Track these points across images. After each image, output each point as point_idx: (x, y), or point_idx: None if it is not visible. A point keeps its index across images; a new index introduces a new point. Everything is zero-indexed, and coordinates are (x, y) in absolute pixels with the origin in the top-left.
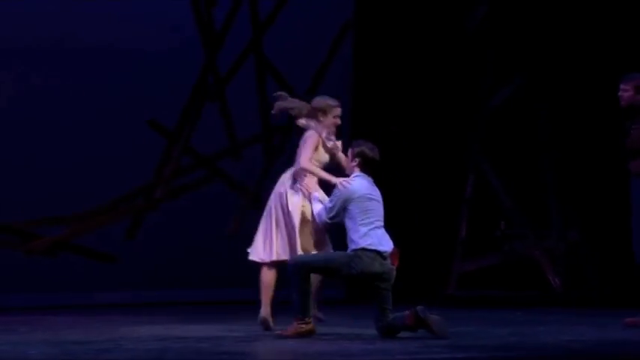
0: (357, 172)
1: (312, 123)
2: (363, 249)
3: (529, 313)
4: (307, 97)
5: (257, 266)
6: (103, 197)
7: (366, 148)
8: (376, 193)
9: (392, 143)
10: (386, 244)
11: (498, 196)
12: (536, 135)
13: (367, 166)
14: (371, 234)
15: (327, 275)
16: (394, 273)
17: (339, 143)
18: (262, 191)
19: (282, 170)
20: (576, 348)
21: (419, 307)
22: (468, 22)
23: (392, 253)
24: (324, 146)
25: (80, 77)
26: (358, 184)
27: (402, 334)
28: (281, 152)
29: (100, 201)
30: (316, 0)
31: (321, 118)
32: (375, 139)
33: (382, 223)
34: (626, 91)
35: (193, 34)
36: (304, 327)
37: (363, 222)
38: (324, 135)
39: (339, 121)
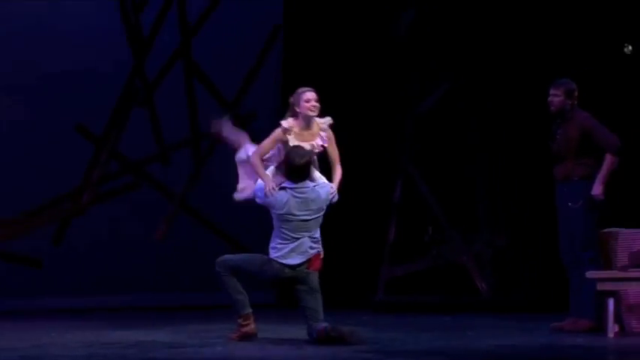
0: (285, 181)
1: (286, 119)
2: (272, 259)
3: (457, 318)
4: (236, 102)
5: (191, 271)
6: (29, 202)
7: (294, 155)
8: (297, 209)
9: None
10: (293, 259)
11: (426, 200)
12: (465, 139)
13: (293, 174)
14: (280, 247)
15: (247, 275)
16: (313, 277)
17: (321, 139)
18: (190, 196)
19: (211, 175)
20: (504, 353)
21: (327, 326)
22: (396, 28)
23: (310, 259)
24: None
25: (6, 81)
26: (279, 199)
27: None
28: (209, 157)
29: (27, 206)
30: (245, 5)
31: (297, 109)
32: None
33: (299, 236)
34: (556, 96)
35: (121, 38)
36: (245, 328)
37: (278, 233)
38: (294, 127)
39: (312, 104)
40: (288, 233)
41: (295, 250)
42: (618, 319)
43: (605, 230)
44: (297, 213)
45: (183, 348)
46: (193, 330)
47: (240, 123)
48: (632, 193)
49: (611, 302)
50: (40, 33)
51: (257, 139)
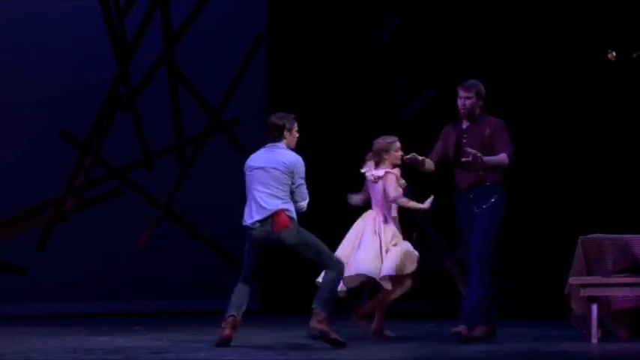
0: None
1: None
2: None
3: (441, 325)
4: (219, 108)
5: (175, 278)
6: (13, 208)
7: (272, 117)
8: (266, 160)
9: (305, 155)
10: (256, 214)
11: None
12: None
13: (270, 132)
14: (245, 209)
15: (247, 269)
16: (282, 236)
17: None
18: (174, 202)
19: (195, 181)
20: (489, 358)
21: (319, 329)
22: (380, 35)
23: (272, 219)
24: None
25: None
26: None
27: (319, 344)
28: (193, 163)
29: (10, 212)
30: (229, 12)
31: (385, 156)
32: None
33: (267, 189)
34: (468, 99)
35: (105, 44)
36: (221, 331)
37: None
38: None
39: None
40: (252, 186)
41: (256, 204)
42: (602, 324)
43: (589, 236)
44: (259, 161)
45: (167, 354)
46: (177, 336)
47: (224, 128)
48: (615, 200)
49: (594, 308)
50: (24, 38)
51: (239, 144)
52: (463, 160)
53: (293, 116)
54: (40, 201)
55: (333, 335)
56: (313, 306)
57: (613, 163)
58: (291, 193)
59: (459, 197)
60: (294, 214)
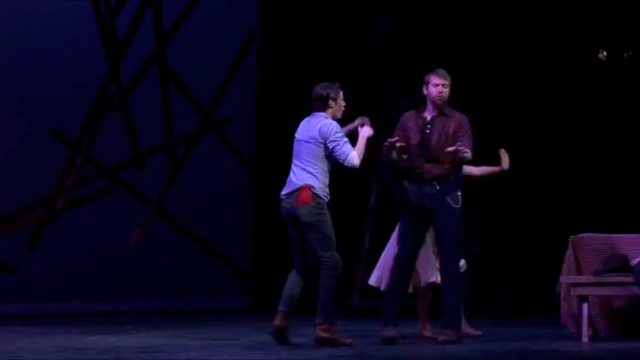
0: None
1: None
2: None
3: (432, 324)
4: (211, 107)
5: (166, 277)
6: (3, 207)
7: (317, 87)
8: (303, 132)
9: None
10: (286, 188)
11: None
12: None
13: (314, 104)
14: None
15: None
16: (298, 212)
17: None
18: (165, 202)
19: (186, 180)
20: (478, 358)
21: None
22: (371, 35)
23: (295, 193)
24: None
25: None
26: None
27: (309, 342)
28: (184, 163)
29: (1, 211)
30: (221, 11)
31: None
32: (279, 149)
33: (301, 163)
34: (445, 87)
35: (96, 43)
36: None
37: None
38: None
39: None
40: (294, 159)
41: (290, 177)
42: (592, 323)
43: (579, 236)
44: (300, 133)
45: (158, 353)
46: (168, 335)
47: (215, 128)
48: (605, 199)
49: (585, 307)
50: (15, 37)
51: (231, 143)
52: (447, 150)
53: (338, 85)
54: (31, 200)
55: (341, 340)
56: (316, 319)
57: (604, 163)
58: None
59: (416, 188)
60: (321, 192)
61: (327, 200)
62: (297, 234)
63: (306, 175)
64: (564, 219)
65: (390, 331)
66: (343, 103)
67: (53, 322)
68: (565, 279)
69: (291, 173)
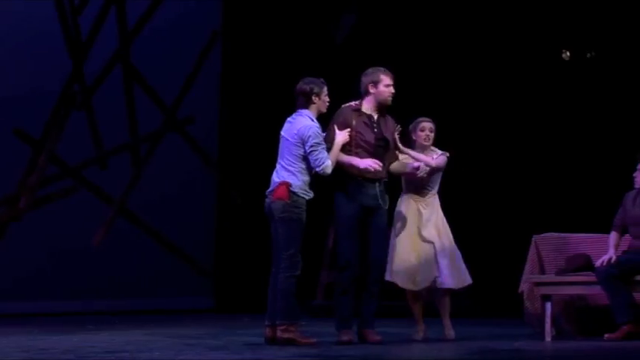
0: None
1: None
2: None
3: (395, 323)
4: (174, 106)
5: (130, 277)
6: None
7: (300, 82)
8: (286, 130)
9: (260, 154)
10: (270, 186)
11: None
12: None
13: (297, 100)
14: None
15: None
16: (273, 207)
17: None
18: (129, 201)
19: (150, 180)
20: (442, 357)
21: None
22: (336, 32)
23: (274, 189)
24: None
25: None
26: None
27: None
28: (148, 162)
29: None
30: (184, 10)
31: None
32: (243, 149)
33: (283, 161)
34: (393, 87)
35: (60, 42)
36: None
37: None
38: None
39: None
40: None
41: (274, 175)
42: (555, 322)
43: (542, 235)
44: (284, 131)
45: (121, 353)
46: (131, 335)
47: (178, 127)
48: (568, 199)
49: (548, 306)
50: None
51: (194, 142)
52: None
53: (322, 80)
54: None
55: (303, 340)
56: (276, 321)
57: (567, 163)
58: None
59: (358, 188)
60: (299, 190)
61: (307, 198)
62: (276, 231)
63: (286, 173)
64: (527, 219)
65: (346, 335)
66: (327, 99)
67: (15, 322)
68: (528, 278)
69: (274, 171)
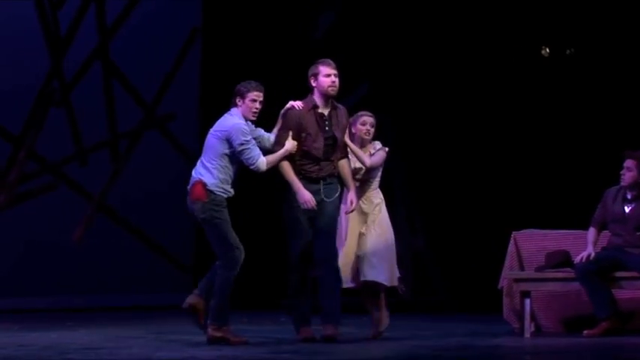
0: None
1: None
2: None
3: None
4: (154, 103)
5: (109, 273)
6: None
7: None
8: (215, 125)
9: None
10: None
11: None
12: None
13: (232, 99)
14: None
15: None
16: (192, 208)
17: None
18: (109, 197)
19: (129, 176)
20: (422, 354)
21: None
22: (314, 31)
23: (190, 188)
24: None
25: None
26: None
27: (258, 338)
28: (128, 158)
29: None
30: (164, 7)
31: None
32: None
33: (203, 157)
34: (337, 77)
35: (39, 38)
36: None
37: None
38: None
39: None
40: None
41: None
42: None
43: (522, 231)
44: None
45: (100, 349)
46: (111, 331)
47: (158, 124)
48: (548, 195)
49: (527, 302)
50: None
51: (174, 139)
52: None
53: (256, 84)
54: None
55: (234, 339)
56: (208, 319)
57: (546, 160)
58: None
59: (308, 186)
60: (216, 189)
61: (226, 196)
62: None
63: (203, 169)
64: (507, 215)
65: (304, 332)
66: (254, 105)
67: None
68: (508, 274)
69: (193, 169)
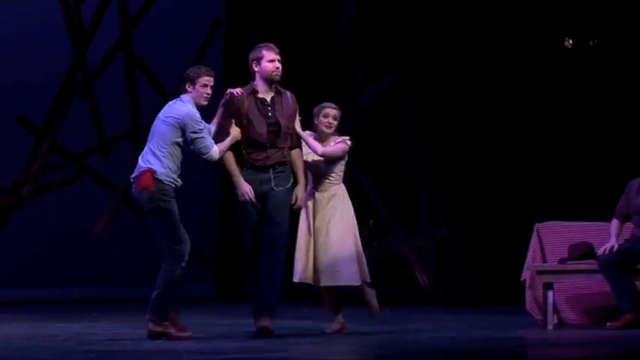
0: None
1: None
2: None
3: (398, 311)
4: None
5: (133, 264)
6: None
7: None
8: (163, 111)
9: None
10: (135, 170)
11: (368, 194)
12: (405, 134)
13: (182, 85)
14: None
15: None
16: (140, 198)
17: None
18: (131, 189)
19: None
20: (444, 345)
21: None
22: (337, 21)
23: (138, 177)
24: None
25: None
26: None
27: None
28: None
29: None
30: None
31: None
32: None
33: (151, 144)
34: (281, 62)
35: (62, 30)
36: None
37: None
38: None
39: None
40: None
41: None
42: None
43: (545, 223)
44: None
45: (123, 340)
46: (134, 323)
47: None
48: (571, 187)
49: (550, 294)
50: None
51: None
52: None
53: (206, 69)
54: None
55: (175, 334)
56: (147, 316)
57: (569, 151)
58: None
59: (253, 175)
60: (165, 178)
61: (174, 186)
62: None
63: (152, 157)
64: (530, 207)
65: (264, 321)
66: (205, 90)
67: (18, 309)
68: (530, 266)
69: (140, 155)
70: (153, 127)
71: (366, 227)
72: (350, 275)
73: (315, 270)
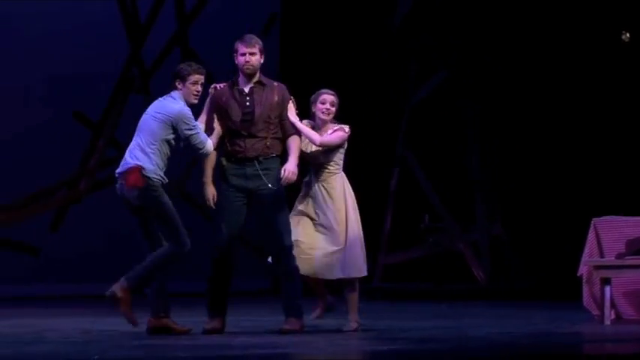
0: None
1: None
2: None
3: (454, 306)
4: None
5: (190, 259)
6: (27, 189)
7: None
8: (153, 107)
9: None
10: (120, 166)
11: (423, 189)
12: (462, 129)
13: (173, 81)
14: None
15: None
16: (129, 196)
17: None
18: (187, 184)
19: None
20: (501, 340)
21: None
22: (394, 17)
23: (126, 174)
24: None
25: (6, 69)
26: None
27: (327, 323)
28: None
29: (25, 193)
30: None
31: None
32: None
33: (139, 139)
34: (253, 54)
35: (118, 25)
36: None
37: None
38: None
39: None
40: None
41: (126, 154)
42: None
43: (602, 218)
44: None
45: (180, 335)
46: (191, 317)
47: None
48: (628, 181)
49: (607, 290)
50: (38, 20)
51: None
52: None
53: (197, 66)
54: (54, 182)
55: (129, 315)
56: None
57: (627, 145)
58: (187, 147)
59: (235, 168)
60: (153, 175)
61: (160, 184)
62: (141, 221)
63: (141, 154)
64: (587, 201)
65: (213, 323)
66: (195, 88)
67: (76, 304)
68: (587, 261)
69: (127, 149)
70: (141, 123)
71: (421, 222)
72: (359, 266)
73: (310, 260)
